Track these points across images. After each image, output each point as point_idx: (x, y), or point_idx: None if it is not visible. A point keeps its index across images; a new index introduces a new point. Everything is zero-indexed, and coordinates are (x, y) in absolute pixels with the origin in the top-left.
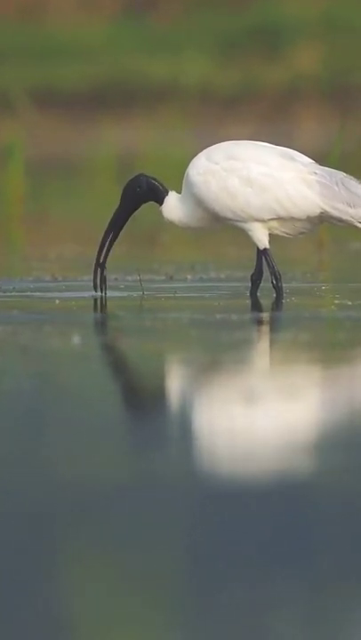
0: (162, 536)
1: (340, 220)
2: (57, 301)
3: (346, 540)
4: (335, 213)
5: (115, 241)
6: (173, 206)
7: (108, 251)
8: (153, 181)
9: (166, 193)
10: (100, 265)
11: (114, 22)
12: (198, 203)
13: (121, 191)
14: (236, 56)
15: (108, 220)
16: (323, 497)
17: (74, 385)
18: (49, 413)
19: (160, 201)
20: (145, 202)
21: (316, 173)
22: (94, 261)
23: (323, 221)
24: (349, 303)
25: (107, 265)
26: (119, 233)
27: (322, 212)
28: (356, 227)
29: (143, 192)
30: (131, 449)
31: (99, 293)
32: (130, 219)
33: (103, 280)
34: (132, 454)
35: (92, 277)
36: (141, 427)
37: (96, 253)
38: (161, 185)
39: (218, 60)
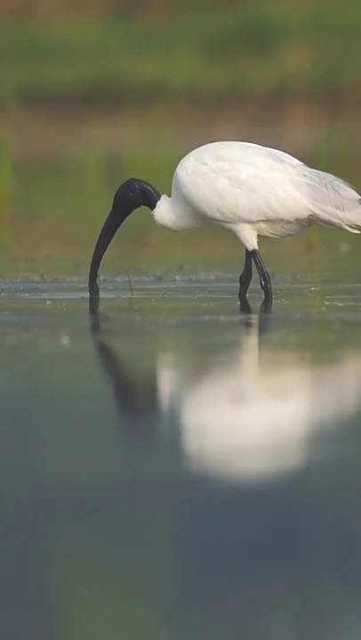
0: (153, 536)
1: (329, 223)
2: (48, 302)
3: (336, 539)
4: (324, 216)
5: (107, 246)
6: (165, 210)
7: (101, 257)
8: (145, 185)
9: (158, 197)
10: (94, 273)
11: (102, 23)
12: (187, 203)
13: (113, 195)
14: (224, 56)
15: (102, 227)
16: (312, 496)
17: (63, 386)
18: (38, 414)
19: (152, 205)
20: (138, 206)
21: (305, 175)
22: (89, 269)
23: (311, 224)
24: (340, 305)
25: (99, 270)
26: (111, 238)
27: (310, 215)
28: (344, 230)
29: (136, 196)
30: (121, 450)
31: (89, 295)
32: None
33: (97, 289)
34: (123, 455)
35: (86, 281)
36: (131, 428)
37: (91, 260)
38: (153, 189)
39: (206, 61)
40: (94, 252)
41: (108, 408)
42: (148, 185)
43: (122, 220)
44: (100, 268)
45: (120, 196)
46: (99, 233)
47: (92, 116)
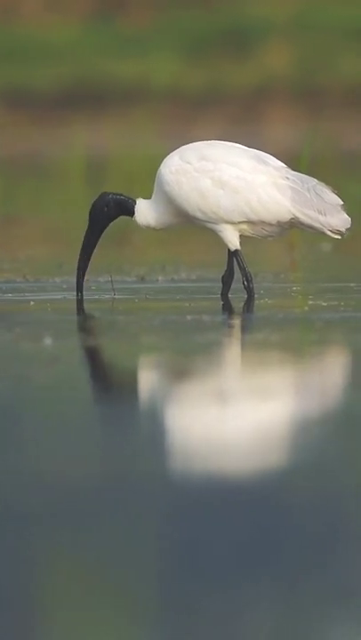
0: (135, 535)
1: (310, 227)
2: (32, 303)
3: (317, 538)
4: (305, 220)
5: (88, 263)
6: (145, 210)
7: (84, 274)
8: (119, 197)
9: (134, 202)
10: (80, 287)
11: (84, 24)
12: (169, 201)
13: (94, 197)
14: (205, 57)
15: (81, 244)
16: (294, 494)
17: (46, 387)
18: (20, 415)
19: (130, 213)
20: (114, 219)
21: (288, 178)
22: (75, 285)
23: (293, 227)
24: (323, 304)
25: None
26: (91, 254)
27: (292, 218)
28: (325, 234)
29: (111, 210)
30: (103, 449)
31: (75, 296)
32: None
33: (81, 301)
34: (105, 455)
35: (69, 282)
36: (114, 428)
37: (76, 278)
38: (127, 197)
39: (187, 62)
40: (77, 270)
41: (90, 408)
42: (122, 195)
43: (99, 236)
44: (83, 285)
45: (95, 212)
46: (82, 237)
47: (74, 116)
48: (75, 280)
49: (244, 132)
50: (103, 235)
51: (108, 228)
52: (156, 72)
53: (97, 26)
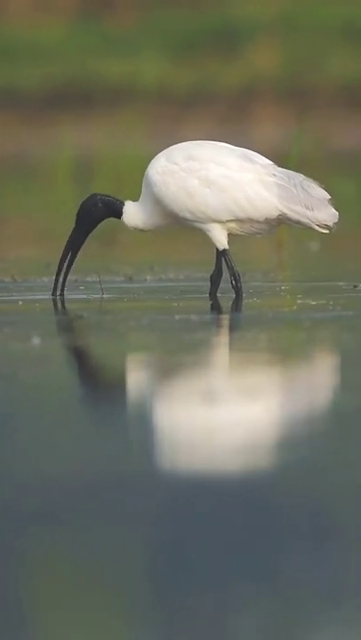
0: (123, 534)
1: (298, 223)
2: (20, 303)
3: (306, 537)
4: (293, 216)
5: (72, 264)
6: (133, 212)
7: (67, 274)
8: (107, 198)
9: (122, 204)
10: (60, 288)
11: (71, 24)
12: (157, 202)
13: (82, 196)
14: (193, 56)
15: (65, 242)
16: (282, 493)
17: (34, 386)
18: (8, 414)
19: (118, 214)
20: (102, 220)
21: (274, 175)
22: (53, 283)
23: (281, 223)
24: (311, 303)
25: (65, 288)
26: (77, 255)
27: (280, 214)
28: (313, 229)
29: (99, 211)
30: (91, 449)
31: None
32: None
33: (62, 299)
34: (92, 454)
35: (52, 288)
36: (102, 427)
37: (55, 275)
38: (115, 199)
39: (175, 61)
40: (57, 270)
41: (78, 408)
42: (110, 197)
43: (86, 237)
44: (65, 286)
45: (83, 212)
46: (67, 237)
47: (62, 116)
48: (61, 283)
49: (233, 132)
50: (89, 236)
51: (100, 225)
52: (143, 72)
53: (84, 25)
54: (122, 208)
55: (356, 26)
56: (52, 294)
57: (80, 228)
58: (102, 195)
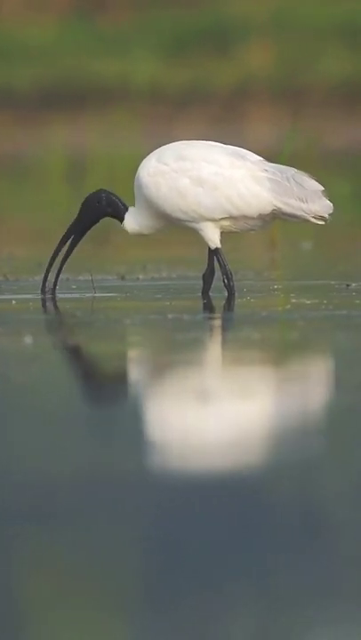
0: (115, 534)
1: (293, 216)
2: (14, 302)
3: (299, 537)
4: (287, 209)
5: (69, 255)
6: (133, 218)
7: (60, 271)
8: (113, 197)
9: (126, 210)
10: (53, 284)
11: (63, 23)
12: (149, 204)
13: (75, 196)
14: (186, 56)
15: (64, 233)
16: (275, 492)
17: (26, 385)
18: (2, 413)
19: (120, 218)
20: (103, 217)
21: (266, 170)
22: (44, 271)
23: (275, 218)
24: (303, 302)
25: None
26: (75, 247)
27: (274, 209)
28: (309, 221)
29: (102, 207)
30: (83, 447)
31: (49, 295)
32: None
33: (53, 293)
34: (85, 453)
35: (41, 284)
36: (94, 426)
37: (46, 266)
38: (121, 202)
39: (168, 60)
40: (51, 256)
41: (71, 407)
42: (116, 197)
43: (86, 230)
44: (57, 280)
45: (87, 205)
46: (61, 235)
47: (55, 116)
48: (54, 278)
49: (226, 132)
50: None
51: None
52: (136, 71)
53: (77, 25)
54: (124, 213)
55: (349, 25)
56: (41, 292)
57: (80, 220)
58: (109, 192)
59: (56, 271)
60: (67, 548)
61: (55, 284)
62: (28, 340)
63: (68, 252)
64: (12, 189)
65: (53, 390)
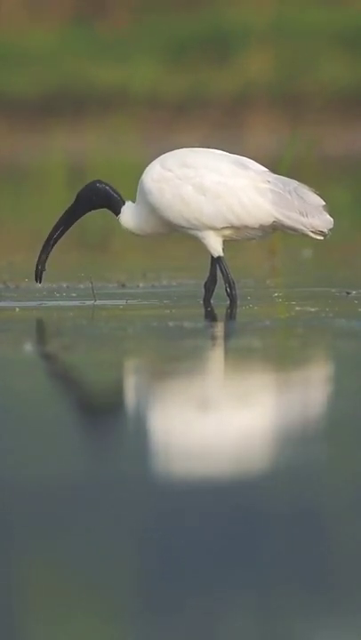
0: (113, 542)
1: (293, 229)
2: (17, 309)
3: (299, 542)
4: (288, 222)
5: (59, 239)
6: (130, 216)
7: (52, 248)
8: (109, 189)
9: (123, 203)
10: (43, 260)
11: (63, 29)
12: (152, 210)
13: (75, 195)
14: (185, 62)
15: (58, 219)
16: (276, 500)
17: (24, 393)
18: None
19: (116, 210)
20: (98, 208)
21: (269, 182)
22: (38, 255)
23: (276, 229)
24: (304, 310)
25: (47, 260)
26: (64, 233)
27: (275, 221)
28: (308, 236)
29: (98, 199)
30: (84, 456)
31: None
32: (77, 223)
33: (41, 274)
34: (84, 461)
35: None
36: (93, 434)
37: (41, 247)
38: (117, 194)
39: (167, 67)
40: (45, 242)
41: (70, 415)
42: (112, 189)
43: (78, 218)
44: (47, 258)
45: (82, 195)
46: (47, 234)
47: (54, 122)
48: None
49: (226, 138)
50: (84, 244)
51: (88, 231)
52: (136, 77)
53: (76, 31)
54: (120, 206)
55: (348, 32)
56: (36, 274)
57: (74, 208)
58: (106, 184)
59: (48, 249)
60: (65, 557)
61: (44, 263)
62: (27, 347)
63: (58, 236)
64: (12, 195)
65: (52, 398)
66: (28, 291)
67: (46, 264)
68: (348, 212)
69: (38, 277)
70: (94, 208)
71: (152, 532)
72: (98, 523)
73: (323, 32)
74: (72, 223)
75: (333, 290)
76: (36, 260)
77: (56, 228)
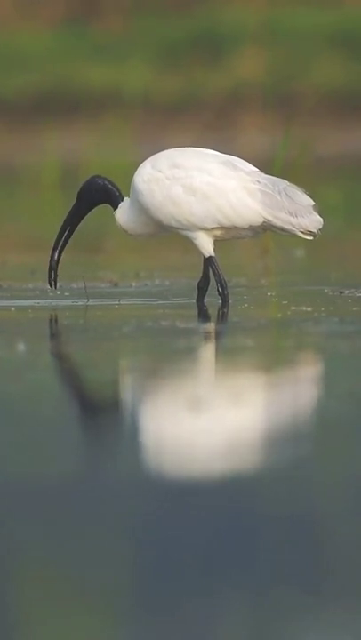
0: (108, 541)
1: (282, 230)
2: (13, 309)
3: (293, 543)
4: (277, 222)
5: (68, 241)
6: (124, 213)
7: (62, 250)
8: (108, 184)
9: (121, 198)
10: (54, 264)
11: (56, 30)
12: (143, 210)
13: (69, 201)
14: (178, 63)
15: (63, 221)
16: (267, 499)
17: (18, 392)
18: None
19: (114, 205)
20: (99, 204)
21: (258, 182)
22: (49, 259)
23: (265, 230)
24: (297, 310)
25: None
26: (72, 233)
27: (264, 221)
28: (298, 236)
29: (98, 194)
30: (78, 455)
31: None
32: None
33: (55, 278)
34: (80, 460)
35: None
36: (87, 434)
37: (50, 252)
38: (116, 189)
39: (160, 68)
40: (53, 246)
41: (63, 414)
42: (112, 184)
43: (83, 216)
44: (59, 261)
45: (83, 192)
46: (55, 237)
47: (47, 123)
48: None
49: (219, 139)
50: (81, 245)
51: (81, 231)
52: (129, 79)
53: (69, 32)
54: (119, 201)
55: (341, 33)
56: (49, 270)
57: (77, 207)
58: (105, 178)
59: (57, 252)
60: (64, 557)
61: (57, 267)
62: (21, 347)
63: (66, 238)
64: (5, 196)
65: (46, 398)
66: (21, 290)
67: (58, 266)
68: (341, 213)
69: (53, 283)
70: (96, 204)
71: (146, 531)
72: (92, 522)
73: (315, 33)
74: (78, 222)
75: (327, 289)
76: (47, 266)
77: (63, 231)
